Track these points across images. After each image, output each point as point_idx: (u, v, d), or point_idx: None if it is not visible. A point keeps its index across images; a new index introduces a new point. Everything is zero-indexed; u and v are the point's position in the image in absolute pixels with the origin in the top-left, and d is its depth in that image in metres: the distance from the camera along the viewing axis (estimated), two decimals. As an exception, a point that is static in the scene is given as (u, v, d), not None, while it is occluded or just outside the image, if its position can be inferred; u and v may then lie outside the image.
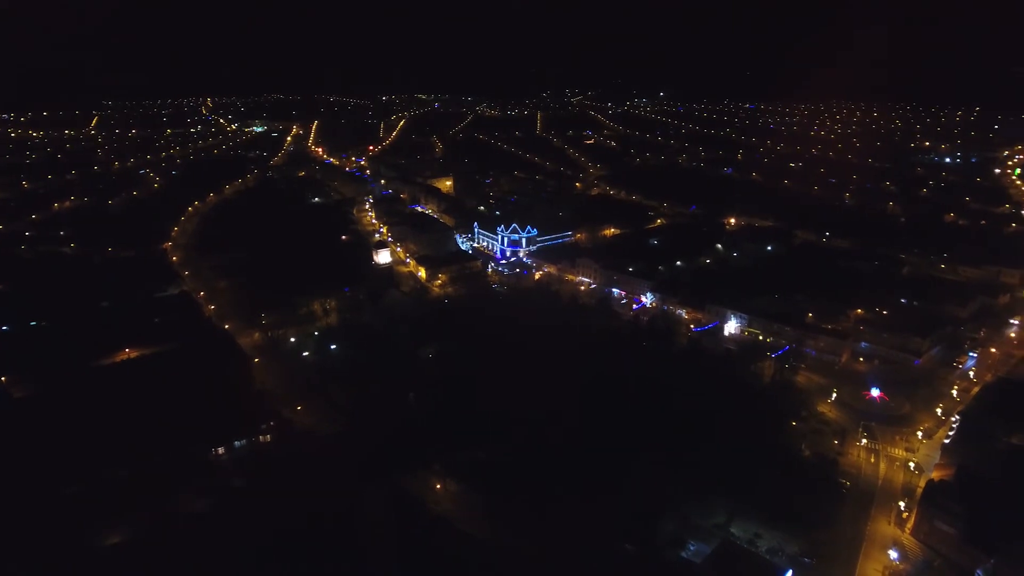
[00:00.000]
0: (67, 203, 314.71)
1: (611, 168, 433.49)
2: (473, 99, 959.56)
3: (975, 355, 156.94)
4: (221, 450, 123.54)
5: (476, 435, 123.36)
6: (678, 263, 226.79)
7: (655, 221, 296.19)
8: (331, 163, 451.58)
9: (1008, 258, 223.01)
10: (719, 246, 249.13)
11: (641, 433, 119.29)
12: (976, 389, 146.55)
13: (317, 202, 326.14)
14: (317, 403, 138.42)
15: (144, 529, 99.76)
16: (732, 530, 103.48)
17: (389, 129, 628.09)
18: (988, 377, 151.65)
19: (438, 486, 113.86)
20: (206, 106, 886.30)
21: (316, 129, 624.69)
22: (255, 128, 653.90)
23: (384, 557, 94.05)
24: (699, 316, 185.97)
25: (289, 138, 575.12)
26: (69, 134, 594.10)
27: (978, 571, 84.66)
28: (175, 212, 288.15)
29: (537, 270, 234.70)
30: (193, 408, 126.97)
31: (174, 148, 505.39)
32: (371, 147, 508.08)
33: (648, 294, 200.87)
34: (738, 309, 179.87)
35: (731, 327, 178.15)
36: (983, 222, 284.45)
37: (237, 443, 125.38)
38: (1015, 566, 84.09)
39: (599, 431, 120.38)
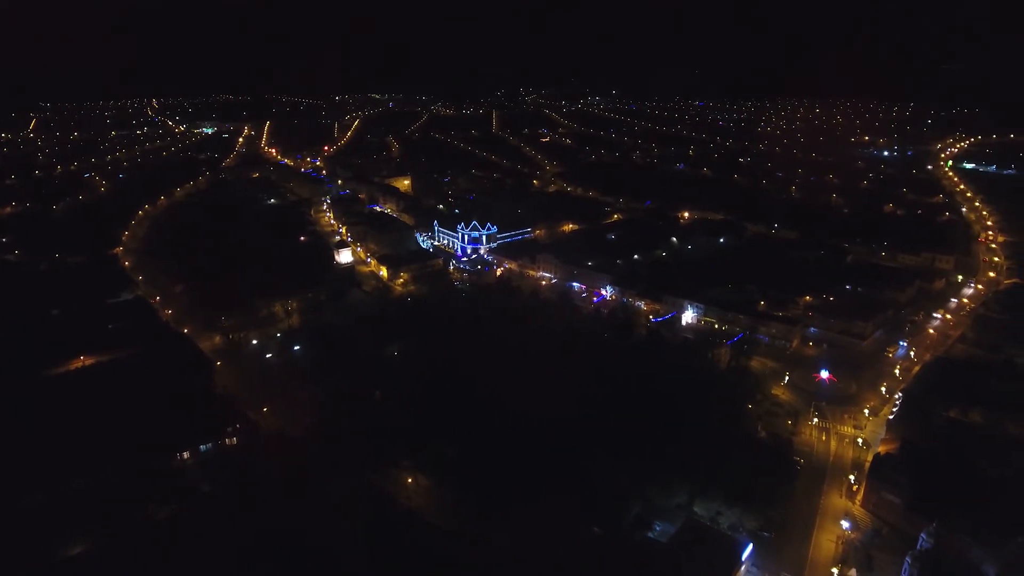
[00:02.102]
0: (8, 209, 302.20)
1: (567, 165, 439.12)
2: (427, 99, 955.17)
3: (905, 344, 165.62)
4: (187, 455, 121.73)
5: (444, 430, 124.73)
6: (635, 257, 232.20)
7: (611, 216, 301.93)
8: (286, 164, 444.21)
9: (942, 245, 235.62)
10: (674, 239, 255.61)
11: (605, 421, 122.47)
12: (916, 369, 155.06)
13: (273, 203, 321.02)
14: (283, 404, 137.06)
15: (110, 538, 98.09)
16: (695, 510, 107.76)
17: (343, 129, 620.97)
18: (927, 357, 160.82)
19: (409, 481, 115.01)
20: (151, 107, 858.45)
21: (268, 130, 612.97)
22: (204, 129, 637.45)
23: (357, 553, 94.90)
24: (657, 307, 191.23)
25: (241, 139, 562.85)
26: (6, 137, 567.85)
27: (921, 535, 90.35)
28: (125, 216, 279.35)
29: (498, 267, 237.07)
30: (155, 414, 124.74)
31: (120, 151, 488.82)
32: (326, 147, 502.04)
33: (607, 287, 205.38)
34: (694, 299, 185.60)
35: (688, 317, 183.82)
36: (919, 212, 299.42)
37: (203, 447, 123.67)
38: (954, 531, 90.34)
39: (565, 421, 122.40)
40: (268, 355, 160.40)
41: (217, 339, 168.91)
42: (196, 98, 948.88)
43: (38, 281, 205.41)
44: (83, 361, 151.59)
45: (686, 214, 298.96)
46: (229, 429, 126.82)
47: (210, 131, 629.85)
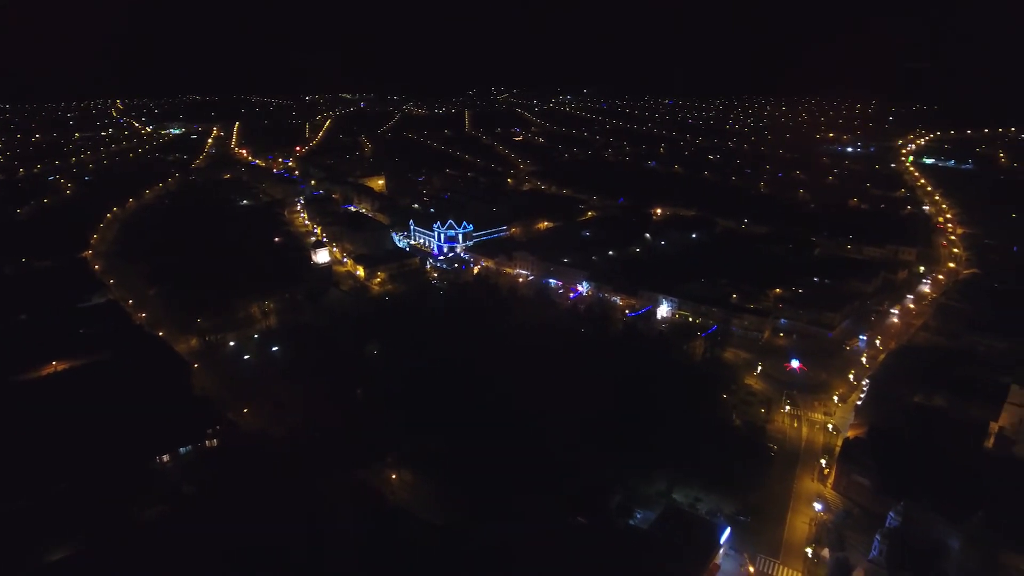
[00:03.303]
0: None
1: (541, 164, 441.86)
2: (399, 98, 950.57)
3: (864, 337, 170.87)
4: (166, 458, 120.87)
5: (427, 426, 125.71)
6: (610, 253, 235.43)
7: (586, 214, 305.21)
8: (257, 165, 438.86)
9: (905, 237, 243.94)
10: (647, 235, 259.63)
11: (586, 413, 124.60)
12: (883, 357, 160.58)
13: (246, 204, 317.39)
14: (263, 405, 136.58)
15: (92, 542, 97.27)
16: (675, 497, 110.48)
17: (315, 129, 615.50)
18: (892, 345, 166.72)
19: (393, 477, 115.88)
20: (116, 108, 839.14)
21: (238, 130, 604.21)
22: (172, 130, 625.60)
23: (345, 550, 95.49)
24: (633, 302, 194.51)
25: (210, 140, 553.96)
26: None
27: (890, 514, 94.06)
28: (93, 219, 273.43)
29: (475, 265, 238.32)
30: (132, 418, 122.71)
31: (85, 153, 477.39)
32: (298, 148, 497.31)
33: (584, 283, 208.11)
34: (668, 294, 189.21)
35: (663, 311, 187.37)
36: (882, 205, 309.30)
37: (182, 450, 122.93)
38: (919, 509, 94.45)
39: (546, 415, 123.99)
40: (246, 356, 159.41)
41: (193, 341, 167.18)
42: (162, 98, 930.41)
43: (3, 286, 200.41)
44: (55, 367, 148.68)
45: (659, 211, 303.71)
46: (209, 431, 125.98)
47: (178, 132, 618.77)
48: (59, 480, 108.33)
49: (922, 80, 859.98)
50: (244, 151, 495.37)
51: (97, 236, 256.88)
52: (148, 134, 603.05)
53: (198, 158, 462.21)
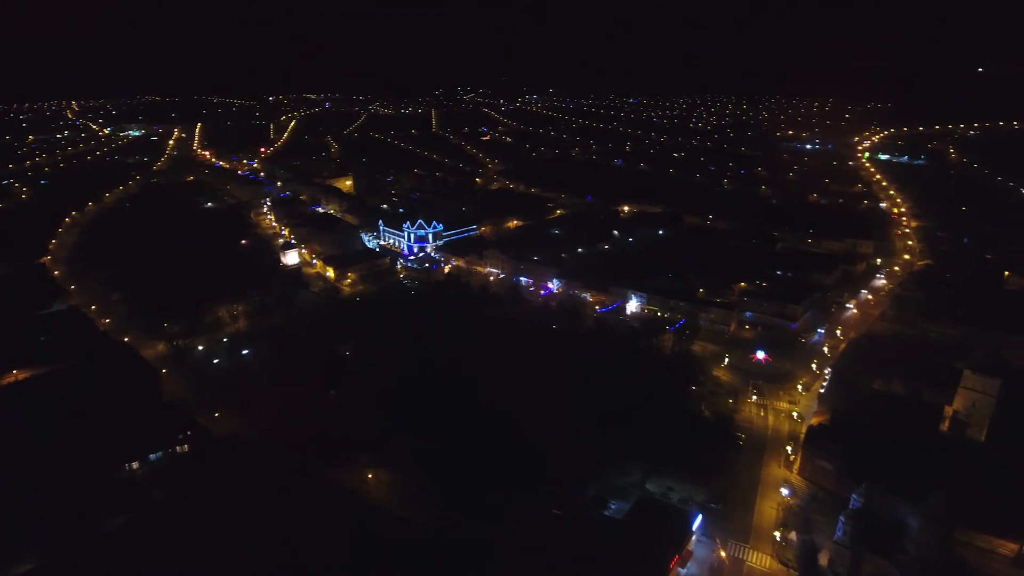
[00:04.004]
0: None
1: (509, 163, 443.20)
2: (365, 98, 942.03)
3: (822, 331, 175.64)
4: (136, 465, 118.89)
5: (401, 425, 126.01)
6: (579, 250, 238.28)
7: (555, 212, 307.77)
8: (221, 166, 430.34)
9: (862, 231, 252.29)
10: (616, 232, 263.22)
11: (560, 408, 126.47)
12: (843, 346, 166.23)
13: (211, 207, 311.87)
14: (235, 408, 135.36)
15: (62, 552, 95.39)
16: (647, 487, 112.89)
17: (280, 130, 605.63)
18: (852, 334, 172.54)
19: (369, 476, 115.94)
20: (71, 110, 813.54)
21: (200, 131, 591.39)
22: (131, 132, 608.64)
23: (321, 550, 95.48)
24: (603, 298, 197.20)
25: (172, 142, 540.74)
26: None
27: (853, 496, 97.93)
28: (51, 224, 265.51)
29: (446, 264, 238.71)
30: (99, 425, 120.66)
31: (40, 156, 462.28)
32: (263, 149, 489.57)
33: (554, 280, 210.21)
34: (637, 289, 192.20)
35: (632, 306, 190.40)
36: (841, 201, 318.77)
37: (152, 456, 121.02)
38: (880, 490, 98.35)
39: (520, 410, 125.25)
40: (216, 360, 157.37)
41: (160, 346, 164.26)
42: (119, 99, 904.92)
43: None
44: (15, 376, 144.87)
45: (626, 208, 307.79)
46: (180, 436, 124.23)
47: (137, 133, 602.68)
48: (23, 491, 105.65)
49: (877, 79, 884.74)
50: (207, 153, 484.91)
51: (56, 241, 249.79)
52: (106, 136, 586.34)
53: (160, 160, 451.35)
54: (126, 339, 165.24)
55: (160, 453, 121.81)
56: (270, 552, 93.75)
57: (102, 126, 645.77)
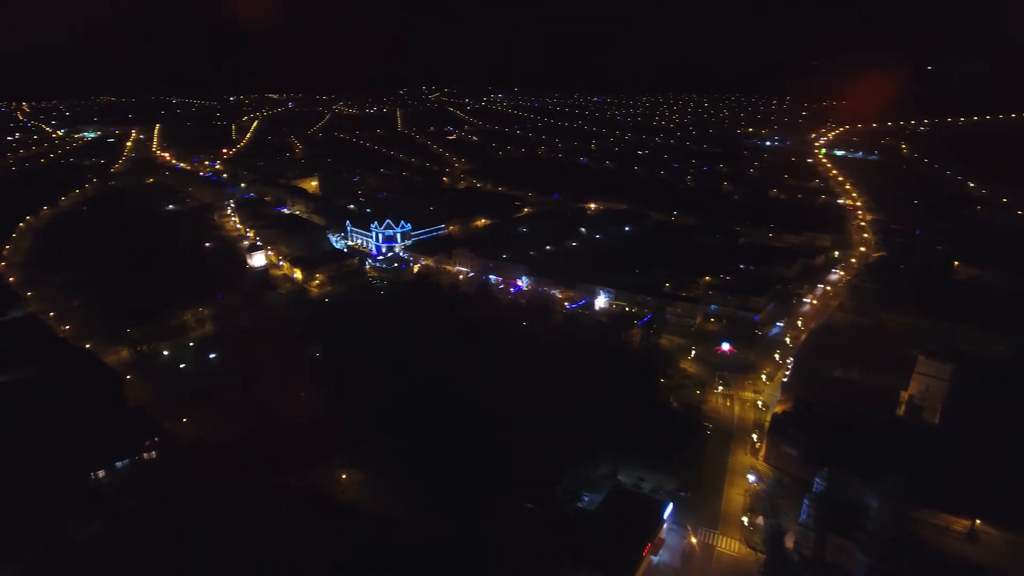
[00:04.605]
0: None
1: (476, 162, 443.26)
2: (329, 98, 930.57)
3: (781, 325, 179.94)
4: (102, 473, 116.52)
5: (374, 424, 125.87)
6: (548, 247, 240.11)
7: (522, 210, 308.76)
8: (182, 168, 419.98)
9: (820, 225, 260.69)
10: (583, 229, 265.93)
11: (532, 403, 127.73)
12: (804, 336, 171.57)
13: (173, 209, 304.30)
14: (203, 413, 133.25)
15: (29, 563, 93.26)
16: (619, 478, 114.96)
17: (242, 131, 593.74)
18: (812, 325, 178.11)
19: (343, 477, 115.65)
20: (22, 111, 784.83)
21: (159, 133, 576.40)
22: (86, 134, 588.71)
23: (297, 552, 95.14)
24: (571, 294, 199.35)
25: (129, 143, 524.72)
26: None
27: (816, 480, 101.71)
28: (3, 228, 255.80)
29: (415, 264, 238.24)
30: (63, 434, 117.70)
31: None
32: (225, 150, 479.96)
33: (523, 278, 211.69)
34: (605, 285, 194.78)
35: (600, 302, 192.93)
36: (799, 196, 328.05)
37: (119, 464, 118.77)
38: (841, 473, 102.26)
39: (492, 406, 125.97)
40: (182, 365, 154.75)
41: (124, 352, 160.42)
42: (73, 100, 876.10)
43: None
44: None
45: (592, 205, 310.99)
46: (147, 443, 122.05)
47: (93, 135, 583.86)
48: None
49: (831, 77, 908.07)
50: (167, 154, 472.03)
51: (9, 247, 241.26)
52: (60, 138, 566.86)
53: (117, 162, 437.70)
54: (87, 345, 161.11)
55: (127, 460, 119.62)
56: (245, 556, 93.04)
57: (55, 128, 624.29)
